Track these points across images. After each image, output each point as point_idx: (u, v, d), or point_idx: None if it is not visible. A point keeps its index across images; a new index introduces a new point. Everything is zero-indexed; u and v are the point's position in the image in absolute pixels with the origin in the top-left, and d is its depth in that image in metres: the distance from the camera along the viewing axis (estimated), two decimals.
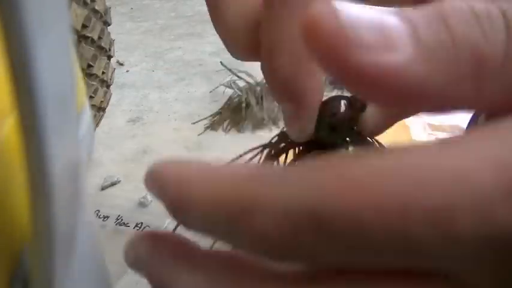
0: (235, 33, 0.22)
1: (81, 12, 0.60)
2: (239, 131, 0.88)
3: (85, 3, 0.61)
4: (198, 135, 0.87)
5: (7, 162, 0.15)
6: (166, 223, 0.65)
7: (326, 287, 0.12)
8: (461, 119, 0.74)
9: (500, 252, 0.10)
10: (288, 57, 0.19)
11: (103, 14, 0.66)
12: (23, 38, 0.13)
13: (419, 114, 0.16)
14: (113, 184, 0.74)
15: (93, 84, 0.65)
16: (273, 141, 0.28)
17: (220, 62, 1.10)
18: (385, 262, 0.11)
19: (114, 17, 0.76)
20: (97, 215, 0.66)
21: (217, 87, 1.03)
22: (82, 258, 0.20)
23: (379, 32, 0.11)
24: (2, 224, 0.15)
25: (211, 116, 0.93)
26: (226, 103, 0.94)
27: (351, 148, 0.25)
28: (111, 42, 0.71)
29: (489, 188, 0.10)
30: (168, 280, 0.14)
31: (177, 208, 0.13)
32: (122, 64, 1.19)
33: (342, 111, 0.25)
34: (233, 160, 0.27)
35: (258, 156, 0.28)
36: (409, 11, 0.11)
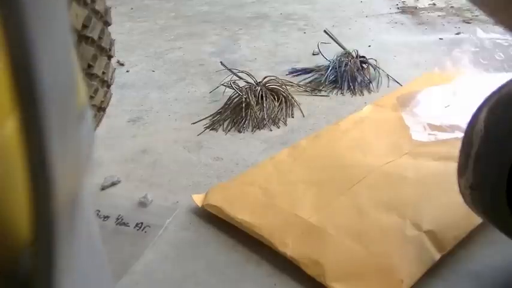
0: None
1: (82, 12, 0.60)
2: (239, 131, 0.88)
3: (85, 3, 0.61)
4: (198, 135, 0.87)
5: (7, 162, 0.15)
6: (167, 223, 0.65)
7: None
8: (461, 119, 0.74)
9: None
10: None
11: (103, 14, 0.66)
12: (23, 38, 0.13)
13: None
14: (113, 184, 0.74)
15: (93, 84, 0.65)
16: None
17: (221, 62, 1.10)
18: None
19: (115, 17, 0.76)
20: (97, 215, 0.66)
21: (217, 87, 1.03)
22: (82, 258, 0.20)
23: None
24: (2, 223, 0.15)
25: (211, 116, 0.93)
26: (226, 103, 0.94)
27: None
28: (112, 42, 0.71)
29: None
30: None
31: None
32: (122, 64, 1.19)
33: None
34: None
35: None
36: None
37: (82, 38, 0.61)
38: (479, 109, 0.47)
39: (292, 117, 0.92)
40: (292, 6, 1.65)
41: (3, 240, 0.15)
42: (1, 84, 0.14)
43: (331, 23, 1.44)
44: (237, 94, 0.94)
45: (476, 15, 1.49)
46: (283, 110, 0.93)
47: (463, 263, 0.55)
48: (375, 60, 1.08)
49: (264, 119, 0.90)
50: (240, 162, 0.77)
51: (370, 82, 1.04)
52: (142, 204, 0.69)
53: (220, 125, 0.90)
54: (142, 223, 0.65)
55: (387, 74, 1.05)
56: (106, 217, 0.66)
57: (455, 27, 1.39)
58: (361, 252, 0.53)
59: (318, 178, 0.67)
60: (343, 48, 1.11)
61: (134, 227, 0.64)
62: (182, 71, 1.13)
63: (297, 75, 1.10)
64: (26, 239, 0.16)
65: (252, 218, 0.60)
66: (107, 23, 0.69)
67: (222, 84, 1.00)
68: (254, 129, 0.89)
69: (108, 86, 0.72)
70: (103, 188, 0.73)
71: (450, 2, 1.64)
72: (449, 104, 0.88)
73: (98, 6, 0.64)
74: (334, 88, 1.03)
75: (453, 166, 0.49)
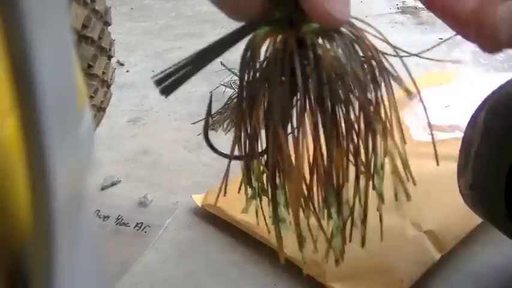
0: None
1: (81, 12, 0.60)
2: None
3: (85, 3, 0.61)
4: (198, 135, 0.87)
5: (7, 162, 0.15)
6: (167, 223, 0.65)
7: None
8: (461, 119, 0.74)
9: None
10: None
11: (103, 14, 0.66)
12: (23, 38, 0.13)
13: None
14: (113, 184, 0.74)
15: (93, 84, 0.65)
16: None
17: (221, 62, 1.10)
18: None
19: (115, 17, 0.76)
20: (97, 215, 0.66)
21: (217, 87, 1.03)
22: (82, 258, 0.20)
23: None
24: (2, 223, 0.15)
25: (211, 116, 0.93)
26: (226, 103, 0.94)
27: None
28: (112, 42, 0.71)
29: None
30: None
31: None
32: (122, 64, 1.19)
33: None
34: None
35: None
36: None
37: (82, 38, 0.61)
38: (479, 109, 0.47)
39: None
40: None
41: (4, 239, 0.15)
42: (1, 84, 0.14)
43: None
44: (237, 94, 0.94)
45: None
46: None
47: (463, 262, 0.55)
48: None
49: None
50: (240, 162, 0.77)
51: None
52: (142, 204, 0.69)
53: (220, 125, 0.90)
54: (142, 223, 0.65)
55: None
56: (106, 217, 0.66)
57: None
58: (361, 252, 0.53)
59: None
60: None
61: (134, 227, 0.64)
62: None
63: None
64: (27, 237, 0.16)
65: (252, 218, 0.60)
66: (107, 23, 0.69)
67: (222, 84, 1.00)
68: None
69: (108, 86, 0.72)
70: (103, 188, 0.73)
71: None
72: (449, 104, 0.88)
73: (98, 6, 0.64)
74: None
75: (453, 166, 0.49)
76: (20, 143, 0.14)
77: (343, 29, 0.27)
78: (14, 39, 0.13)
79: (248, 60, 0.28)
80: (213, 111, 0.94)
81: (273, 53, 0.27)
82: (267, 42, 0.27)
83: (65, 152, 0.16)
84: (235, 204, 0.64)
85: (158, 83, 0.28)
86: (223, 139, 0.86)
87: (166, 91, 0.28)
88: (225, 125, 0.90)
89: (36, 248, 0.16)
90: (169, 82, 0.28)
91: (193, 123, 0.91)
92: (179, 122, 0.93)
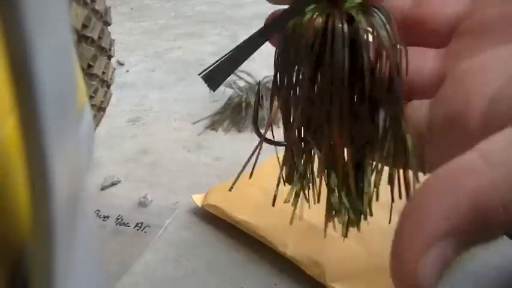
0: None
1: (81, 12, 0.60)
2: (239, 131, 0.88)
3: (85, 3, 0.61)
4: (198, 135, 0.87)
5: (7, 162, 0.15)
6: (167, 223, 0.65)
7: None
8: None
9: None
10: None
11: (103, 13, 0.66)
12: (23, 38, 0.13)
13: None
14: (113, 184, 0.74)
15: (93, 84, 0.65)
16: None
17: None
18: None
19: (114, 17, 0.76)
20: (97, 215, 0.66)
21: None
22: (82, 258, 0.20)
23: None
24: (2, 223, 0.15)
25: (211, 116, 0.93)
26: (226, 103, 0.94)
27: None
28: (112, 42, 0.71)
29: None
30: None
31: None
32: (122, 64, 1.19)
33: None
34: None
35: None
36: None
37: (82, 38, 0.61)
38: None
39: None
40: None
41: (4, 239, 0.15)
42: (1, 84, 0.14)
43: None
44: (237, 94, 0.94)
45: None
46: None
47: (463, 262, 0.55)
48: None
49: (264, 119, 0.89)
50: (240, 162, 0.77)
51: None
52: (142, 204, 0.69)
53: (220, 125, 0.90)
54: (142, 223, 0.65)
55: None
56: (106, 217, 0.66)
57: None
58: (361, 252, 0.53)
59: (318, 178, 0.66)
60: None
61: (134, 227, 0.64)
62: (182, 71, 1.13)
63: None
64: (26, 238, 0.16)
65: (252, 218, 0.60)
66: (107, 23, 0.69)
67: (222, 84, 1.00)
68: None
69: (108, 86, 0.72)
70: (103, 188, 0.73)
71: None
72: None
73: (98, 6, 0.64)
74: None
75: None
76: (20, 143, 0.14)
77: (379, 6, 0.27)
78: (14, 39, 0.13)
79: (293, 45, 0.28)
80: (213, 111, 0.94)
81: (325, 32, 0.27)
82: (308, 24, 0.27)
83: (65, 152, 0.16)
84: (236, 205, 0.64)
85: (205, 78, 0.28)
86: (224, 139, 0.86)
87: (213, 85, 0.29)
88: (225, 125, 0.90)
89: (36, 248, 0.16)
90: (216, 76, 0.28)
91: (193, 123, 0.91)
92: (179, 122, 0.93)
